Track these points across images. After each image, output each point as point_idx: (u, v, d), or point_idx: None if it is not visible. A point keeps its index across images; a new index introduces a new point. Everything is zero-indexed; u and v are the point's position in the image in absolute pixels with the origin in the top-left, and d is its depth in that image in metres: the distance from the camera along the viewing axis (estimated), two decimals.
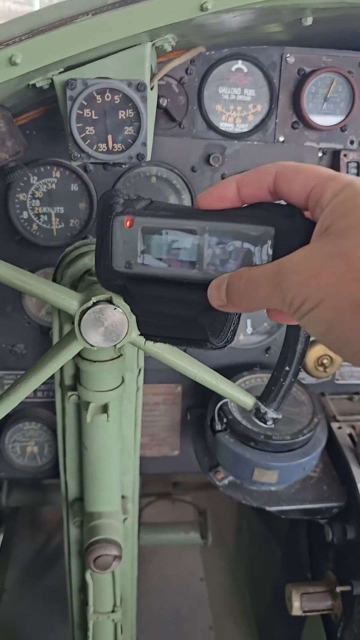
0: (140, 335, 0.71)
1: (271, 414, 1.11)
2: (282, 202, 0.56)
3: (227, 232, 0.57)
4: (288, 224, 0.55)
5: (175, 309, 0.64)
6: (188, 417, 1.60)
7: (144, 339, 0.86)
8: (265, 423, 1.11)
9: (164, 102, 1.29)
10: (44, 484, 2.09)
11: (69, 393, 1.20)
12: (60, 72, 0.96)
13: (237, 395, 1.09)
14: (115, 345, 1.01)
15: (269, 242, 0.55)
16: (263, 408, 1.10)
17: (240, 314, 0.65)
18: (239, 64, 1.31)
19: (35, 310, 1.41)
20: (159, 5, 0.74)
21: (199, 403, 1.60)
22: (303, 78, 1.32)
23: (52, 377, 1.05)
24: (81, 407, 1.20)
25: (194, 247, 0.59)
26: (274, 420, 1.12)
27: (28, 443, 1.54)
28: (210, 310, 0.60)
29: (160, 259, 0.61)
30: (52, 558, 2.41)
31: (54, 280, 1.17)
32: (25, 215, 1.30)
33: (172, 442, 1.65)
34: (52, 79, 0.96)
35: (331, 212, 0.48)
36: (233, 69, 1.31)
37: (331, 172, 0.51)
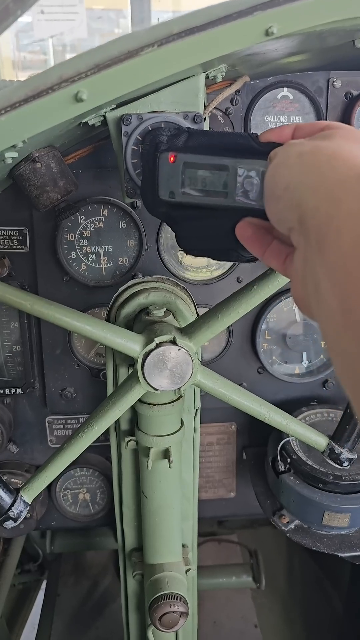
0: (181, 251, 0.81)
1: (346, 454, 1.04)
2: None
3: (254, 168, 0.66)
4: None
5: (211, 222, 0.73)
6: (244, 456, 1.52)
7: (185, 254, 0.96)
8: (341, 465, 1.04)
9: None
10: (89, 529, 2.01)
11: (127, 438, 1.15)
12: (112, 109, 0.93)
13: (309, 435, 1.03)
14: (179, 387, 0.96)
15: None
16: (337, 448, 1.03)
17: None
18: (285, 91, 1.28)
19: (85, 351, 1.37)
20: (226, 32, 0.70)
21: (255, 441, 1.52)
22: (351, 102, 1.28)
23: None
24: (140, 453, 1.14)
25: (225, 180, 0.68)
26: (350, 461, 1.05)
27: (80, 490, 1.48)
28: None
29: (198, 189, 0.71)
30: (99, 606, 2.31)
31: (108, 320, 1.13)
32: (73, 255, 1.27)
33: (227, 484, 1.57)
34: (104, 116, 0.94)
35: None
36: (279, 96, 1.28)
37: None
